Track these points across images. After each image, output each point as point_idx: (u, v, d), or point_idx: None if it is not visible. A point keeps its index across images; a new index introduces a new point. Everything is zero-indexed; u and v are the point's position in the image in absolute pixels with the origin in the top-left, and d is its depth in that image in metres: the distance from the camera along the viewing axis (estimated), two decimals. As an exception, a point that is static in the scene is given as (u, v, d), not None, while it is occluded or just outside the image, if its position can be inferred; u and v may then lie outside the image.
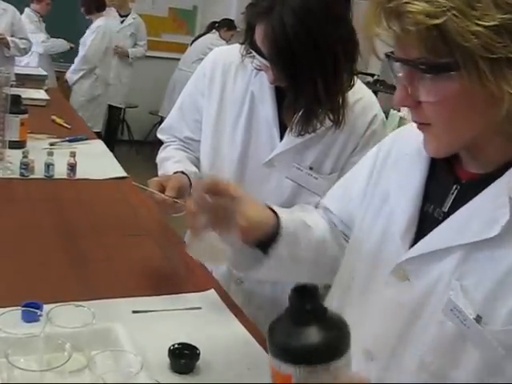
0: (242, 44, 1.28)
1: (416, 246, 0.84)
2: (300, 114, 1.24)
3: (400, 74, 0.75)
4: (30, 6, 5.03)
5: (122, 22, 5.38)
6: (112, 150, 5.61)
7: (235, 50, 1.33)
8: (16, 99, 2.26)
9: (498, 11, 0.65)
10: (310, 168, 1.33)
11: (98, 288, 1.26)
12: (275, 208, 1.01)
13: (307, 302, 0.69)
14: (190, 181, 1.36)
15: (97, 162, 2.30)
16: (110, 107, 5.76)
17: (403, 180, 0.91)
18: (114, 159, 2.39)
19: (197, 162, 1.48)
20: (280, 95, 1.31)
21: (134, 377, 0.84)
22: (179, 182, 1.30)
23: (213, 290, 1.30)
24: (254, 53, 1.23)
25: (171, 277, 1.38)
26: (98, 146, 2.63)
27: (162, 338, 1.07)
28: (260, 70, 1.26)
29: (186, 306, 1.22)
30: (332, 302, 0.97)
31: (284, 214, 1.00)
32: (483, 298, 0.75)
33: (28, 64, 4.73)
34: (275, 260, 0.98)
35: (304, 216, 1.07)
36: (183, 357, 1.03)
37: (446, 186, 0.85)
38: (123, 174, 2.17)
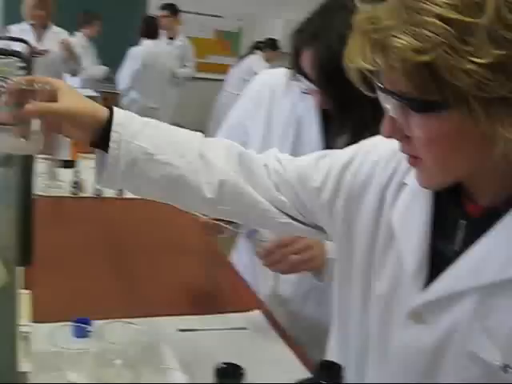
0: (288, 69, 1.29)
1: (431, 288, 0.78)
2: (346, 137, 1.24)
3: (388, 106, 0.70)
4: (80, 31, 5.22)
5: (169, 44, 5.50)
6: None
7: (281, 73, 1.34)
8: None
9: (493, 46, 0.59)
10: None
11: (146, 306, 1.28)
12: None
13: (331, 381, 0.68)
14: None
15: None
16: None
17: (408, 215, 0.83)
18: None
19: None
20: (326, 118, 1.31)
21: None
22: None
23: (258, 311, 1.30)
24: (301, 77, 1.24)
25: (217, 296, 1.39)
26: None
27: (207, 357, 1.08)
28: (307, 93, 1.27)
29: (231, 326, 1.23)
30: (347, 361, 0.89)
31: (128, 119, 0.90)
32: (508, 339, 0.71)
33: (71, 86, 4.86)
34: (114, 167, 0.88)
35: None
36: (228, 376, 1.03)
37: (453, 221, 0.79)
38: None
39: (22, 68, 2.68)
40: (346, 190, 0.91)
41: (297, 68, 1.24)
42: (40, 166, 2.23)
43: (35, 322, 1.11)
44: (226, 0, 6.39)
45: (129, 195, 2.07)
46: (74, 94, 0.88)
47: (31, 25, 4.14)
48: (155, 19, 5.16)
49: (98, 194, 2.06)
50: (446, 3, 0.61)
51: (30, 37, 4.09)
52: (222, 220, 1.24)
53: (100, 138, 0.89)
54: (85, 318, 1.09)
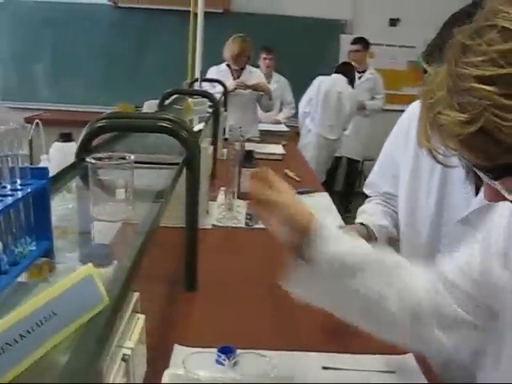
0: None
1: None
2: None
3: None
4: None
5: (359, 77, 5.53)
6: (350, 203, 5.80)
7: None
8: (248, 154, 2.46)
9: None
10: None
11: (294, 339, 1.28)
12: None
13: None
14: (369, 232, 1.39)
15: (319, 214, 2.35)
16: (349, 160, 5.92)
17: None
18: (335, 212, 2.42)
19: (396, 217, 1.45)
20: None
21: None
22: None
23: (411, 354, 1.22)
24: None
25: (368, 335, 1.33)
26: (323, 198, 2.70)
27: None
28: None
29: (379, 367, 1.17)
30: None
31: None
32: None
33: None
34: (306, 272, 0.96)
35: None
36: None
37: None
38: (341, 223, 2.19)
39: (210, 107, 2.88)
40: None
41: None
42: (220, 197, 2.38)
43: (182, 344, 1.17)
44: (418, 30, 6.27)
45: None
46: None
47: (228, 65, 4.46)
48: (352, 66, 5.22)
49: (271, 226, 2.12)
50: (482, 61, 0.55)
51: (228, 77, 4.41)
52: None
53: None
54: (228, 347, 1.13)
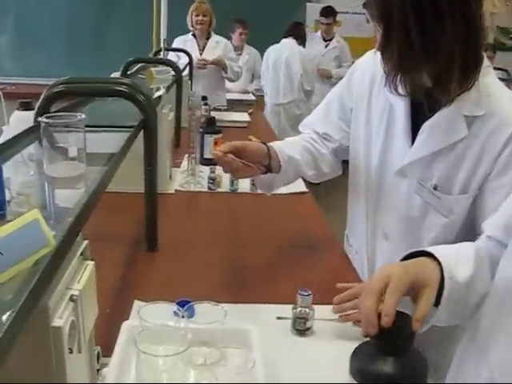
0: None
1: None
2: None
3: None
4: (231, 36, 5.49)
5: (326, 46, 5.55)
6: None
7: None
8: (210, 120, 2.49)
9: None
10: (435, 188, 1.27)
11: (251, 292, 1.33)
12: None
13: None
14: (269, 152, 1.41)
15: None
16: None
17: None
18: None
19: (313, 156, 1.51)
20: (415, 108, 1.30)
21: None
22: (244, 143, 1.36)
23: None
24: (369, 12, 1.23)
25: (331, 289, 1.38)
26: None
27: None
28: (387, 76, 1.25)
29: (330, 316, 1.23)
30: None
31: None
32: None
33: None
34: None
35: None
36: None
37: None
38: (303, 189, 2.24)
39: (173, 76, 2.87)
40: None
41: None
42: (184, 164, 2.41)
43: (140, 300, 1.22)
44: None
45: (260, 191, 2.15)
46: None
47: (193, 35, 4.44)
48: (302, 26, 5.25)
49: (233, 190, 2.16)
50: None
51: (194, 47, 4.41)
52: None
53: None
54: (187, 300, 1.17)
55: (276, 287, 1.38)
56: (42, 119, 0.92)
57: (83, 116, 0.96)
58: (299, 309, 1.13)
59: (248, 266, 1.51)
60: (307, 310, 1.13)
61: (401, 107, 1.31)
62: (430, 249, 0.99)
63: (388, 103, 1.35)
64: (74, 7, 6.24)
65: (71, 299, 0.65)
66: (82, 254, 0.74)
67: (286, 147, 1.47)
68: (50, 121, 0.92)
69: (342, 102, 1.51)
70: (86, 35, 6.29)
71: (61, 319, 0.61)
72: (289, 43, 5.08)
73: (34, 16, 6.21)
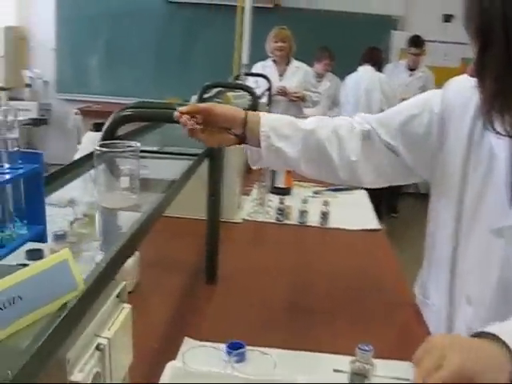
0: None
1: None
2: None
3: None
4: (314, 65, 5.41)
5: (410, 75, 5.39)
6: (396, 203, 5.68)
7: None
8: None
9: None
10: None
11: (309, 337, 1.24)
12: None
13: None
14: (245, 120, 1.19)
15: (353, 212, 2.31)
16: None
17: None
18: (372, 211, 2.36)
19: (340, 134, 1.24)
20: None
21: None
22: (210, 105, 1.17)
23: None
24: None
25: (397, 343, 1.28)
26: (361, 196, 2.64)
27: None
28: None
29: (393, 374, 1.12)
30: None
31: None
32: None
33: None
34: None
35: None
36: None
37: None
38: (377, 226, 2.13)
39: (250, 101, 2.86)
40: None
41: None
42: (254, 192, 2.36)
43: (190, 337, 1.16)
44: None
45: (331, 225, 2.06)
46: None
47: (274, 61, 4.43)
48: (378, 51, 5.09)
49: (302, 222, 2.09)
50: None
51: (273, 72, 4.39)
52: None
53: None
54: (239, 343, 1.10)
55: (336, 334, 1.29)
56: (96, 147, 0.89)
57: (138, 145, 0.91)
58: (357, 364, 1.03)
59: (309, 307, 1.42)
60: (366, 366, 1.03)
61: (501, 151, 1.06)
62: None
63: (489, 143, 1.09)
64: (161, 31, 6.43)
65: (98, 348, 0.60)
66: (118, 296, 0.69)
67: (284, 128, 1.21)
68: (103, 149, 0.88)
69: (412, 115, 1.21)
70: (171, 58, 6.46)
71: (81, 373, 0.55)
72: (367, 71, 4.96)
73: (123, 38, 6.44)
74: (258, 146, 1.20)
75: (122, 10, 6.37)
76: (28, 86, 6.17)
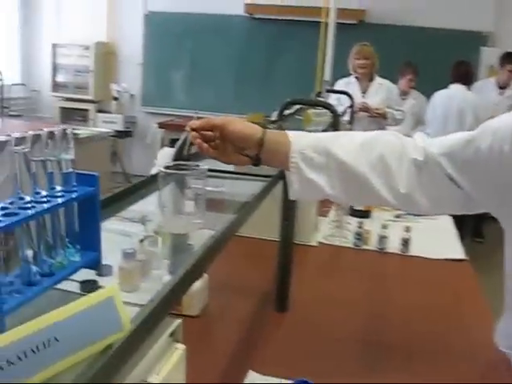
0: None
1: None
2: None
3: None
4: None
5: (500, 93, 5.12)
6: (481, 226, 5.38)
7: None
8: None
9: None
10: None
11: (382, 375, 1.14)
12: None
13: None
14: (262, 141, 1.02)
15: (437, 239, 2.17)
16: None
17: None
18: (456, 238, 2.21)
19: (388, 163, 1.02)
20: None
21: None
22: (224, 120, 1.01)
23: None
24: None
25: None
26: (446, 221, 2.48)
27: None
28: None
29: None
30: None
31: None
32: None
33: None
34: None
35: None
36: None
37: None
38: (461, 256, 1.98)
39: (331, 119, 2.77)
40: None
41: None
42: (332, 213, 2.26)
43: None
44: None
45: (412, 253, 1.94)
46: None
47: (357, 78, 4.32)
48: (468, 65, 4.84)
49: (381, 248, 1.97)
50: None
51: (356, 89, 4.29)
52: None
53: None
54: (305, 381, 1.03)
55: (414, 373, 1.18)
56: (160, 168, 0.84)
57: (205, 167, 0.86)
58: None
59: (384, 343, 1.31)
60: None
61: None
62: None
63: None
64: (244, 46, 6.46)
65: (144, 396, 0.54)
66: (171, 335, 0.63)
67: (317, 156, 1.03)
68: (167, 171, 0.83)
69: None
70: (253, 73, 6.47)
71: (121, 427, 0.49)
72: (458, 89, 4.74)
73: (206, 54, 6.53)
74: (279, 167, 1.10)
75: (206, 27, 6.46)
76: (115, 99, 6.36)
